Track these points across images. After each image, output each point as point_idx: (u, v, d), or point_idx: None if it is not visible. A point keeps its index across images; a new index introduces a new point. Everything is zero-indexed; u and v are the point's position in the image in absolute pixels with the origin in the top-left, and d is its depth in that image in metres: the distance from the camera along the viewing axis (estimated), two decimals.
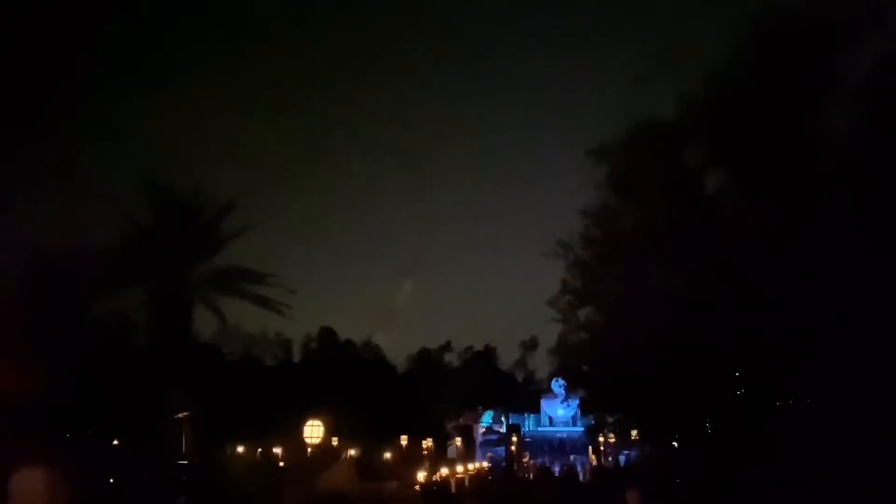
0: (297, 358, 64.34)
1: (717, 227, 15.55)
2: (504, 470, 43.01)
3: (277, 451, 41.53)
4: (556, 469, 41.42)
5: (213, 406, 40.99)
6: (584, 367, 31.07)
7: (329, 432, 18.43)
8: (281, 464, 31.74)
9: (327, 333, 63.12)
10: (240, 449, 43.23)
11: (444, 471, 25.71)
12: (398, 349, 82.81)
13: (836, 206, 13.41)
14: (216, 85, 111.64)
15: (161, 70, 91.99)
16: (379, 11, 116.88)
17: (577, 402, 60.40)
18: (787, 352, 14.61)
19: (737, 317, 15.08)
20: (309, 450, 23.44)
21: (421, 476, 21.82)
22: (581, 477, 33.98)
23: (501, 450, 55.43)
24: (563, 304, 24.75)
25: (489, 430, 58.73)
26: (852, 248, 12.98)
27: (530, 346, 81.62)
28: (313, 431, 16.78)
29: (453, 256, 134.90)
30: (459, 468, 27.65)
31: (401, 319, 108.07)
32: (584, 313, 24.56)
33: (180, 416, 29.96)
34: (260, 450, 45.01)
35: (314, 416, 17.29)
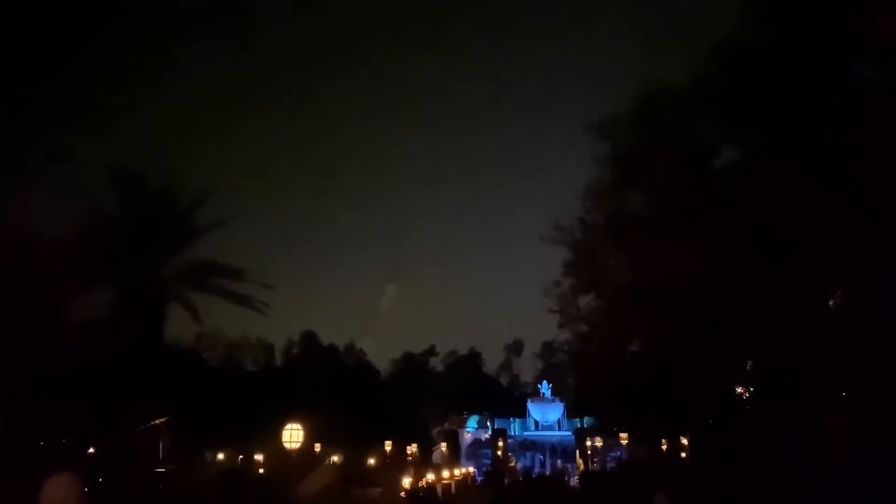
0: (279, 363, 63.47)
1: (736, 200, 14.80)
2: (490, 475, 42.34)
3: (259, 457, 40.90)
4: (546, 473, 40.96)
5: (193, 412, 40.24)
6: (580, 363, 29.82)
7: (310, 437, 17.66)
8: (261, 470, 30.92)
9: (310, 338, 62.32)
10: (220, 456, 42.43)
11: (431, 476, 25.02)
12: (382, 353, 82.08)
13: (860, 171, 12.77)
14: (201, 78, 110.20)
15: (140, 57, 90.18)
16: None
17: (563, 405, 60.01)
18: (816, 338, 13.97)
19: (759, 296, 14.41)
20: (291, 455, 22.74)
21: (406, 482, 21.17)
22: (570, 481, 33.39)
23: (488, 454, 54.84)
24: (566, 287, 23.85)
25: (475, 434, 58.12)
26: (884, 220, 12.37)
27: (515, 349, 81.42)
28: (293, 436, 16.02)
29: (437, 260, 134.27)
30: (445, 473, 26.97)
31: (384, 324, 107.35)
32: (584, 302, 23.79)
33: (157, 422, 29.13)
34: (241, 456, 44.31)
35: (293, 419, 16.51)
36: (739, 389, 18.70)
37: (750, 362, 17.90)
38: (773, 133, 14.15)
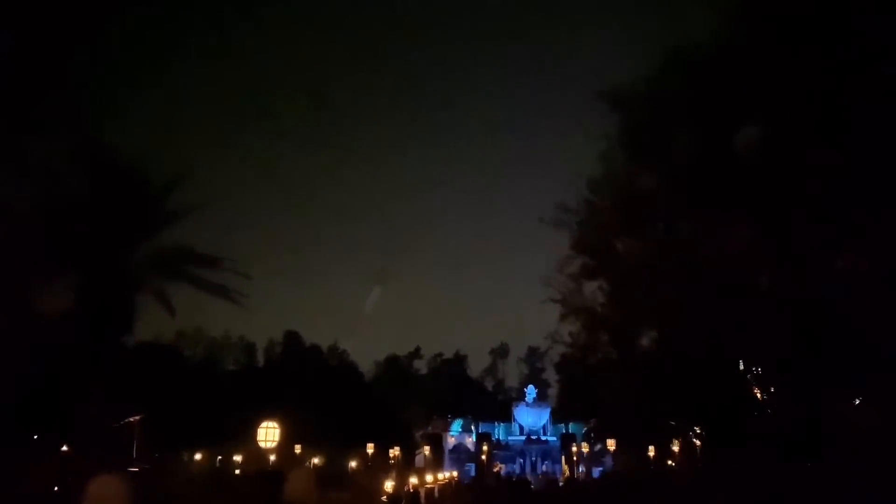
0: (260, 362, 62.54)
1: (757, 175, 13.86)
2: (474, 480, 41.57)
3: (238, 458, 40.08)
4: (529, 478, 40.21)
5: (170, 410, 39.42)
6: (584, 357, 28.31)
7: (288, 436, 16.82)
8: (237, 471, 30.06)
9: (292, 338, 61.33)
10: (198, 456, 41.54)
11: (414, 480, 24.26)
12: (366, 355, 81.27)
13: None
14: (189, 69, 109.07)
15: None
16: None
17: (549, 410, 59.38)
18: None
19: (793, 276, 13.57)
20: (272, 457, 21.87)
21: (388, 485, 20.39)
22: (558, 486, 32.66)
23: (472, 458, 54.11)
24: (570, 273, 22.76)
25: (459, 438, 57.37)
26: None
27: (501, 353, 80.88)
28: (268, 434, 15.15)
29: (424, 263, 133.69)
30: (429, 478, 26.21)
31: (369, 325, 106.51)
32: (590, 289, 22.69)
33: (130, 420, 28.20)
34: (220, 457, 43.49)
35: (270, 417, 15.64)
36: (755, 387, 17.83)
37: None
38: (797, 104, 13.36)
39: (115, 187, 15.67)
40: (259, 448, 15.56)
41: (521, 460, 55.07)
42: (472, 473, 48.46)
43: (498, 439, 56.66)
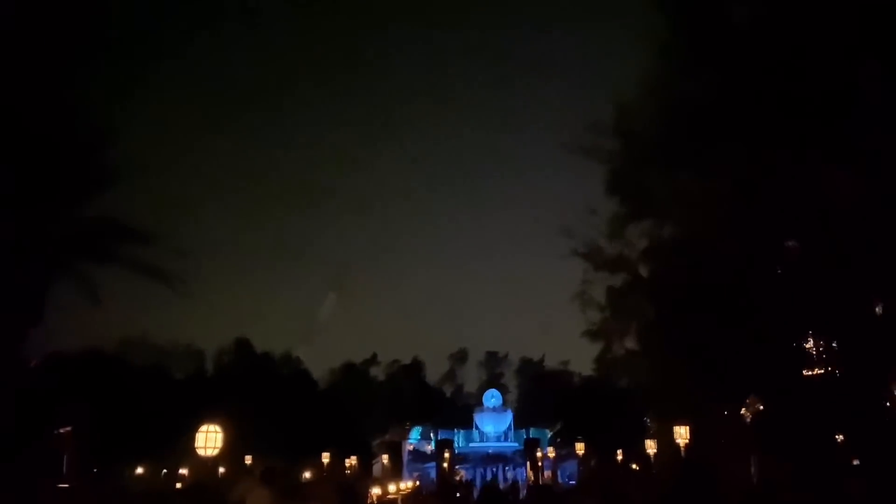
0: (209, 371, 59.95)
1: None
2: (436, 488, 40.05)
3: (184, 471, 38.11)
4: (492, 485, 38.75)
5: (113, 422, 37.03)
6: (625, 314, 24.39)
7: (232, 442, 14.93)
8: (178, 485, 27.96)
9: (243, 345, 58.91)
10: (140, 470, 39.21)
11: (377, 490, 22.55)
12: (321, 363, 79.21)
13: None
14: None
15: None
16: None
17: (511, 415, 58.21)
18: None
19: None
20: (220, 469, 19.89)
21: (346, 496, 18.79)
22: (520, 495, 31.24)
23: (432, 466, 52.51)
24: (605, 218, 19.88)
25: (418, 446, 55.80)
26: None
27: (459, 358, 79.54)
28: (209, 440, 13.27)
29: (380, 268, 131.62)
30: (392, 487, 24.53)
31: (325, 332, 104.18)
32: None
33: (60, 432, 25.86)
34: (165, 470, 41.36)
35: (211, 421, 13.73)
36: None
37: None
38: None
39: (24, 139, 12.90)
40: (200, 457, 13.61)
41: (484, 467, 53.74)
42: (434, 481, 47.05)
43: (458, 446, 55.26)
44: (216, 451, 13.21)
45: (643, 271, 21.41)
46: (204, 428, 13.26)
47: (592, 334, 25.16)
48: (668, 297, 19.47)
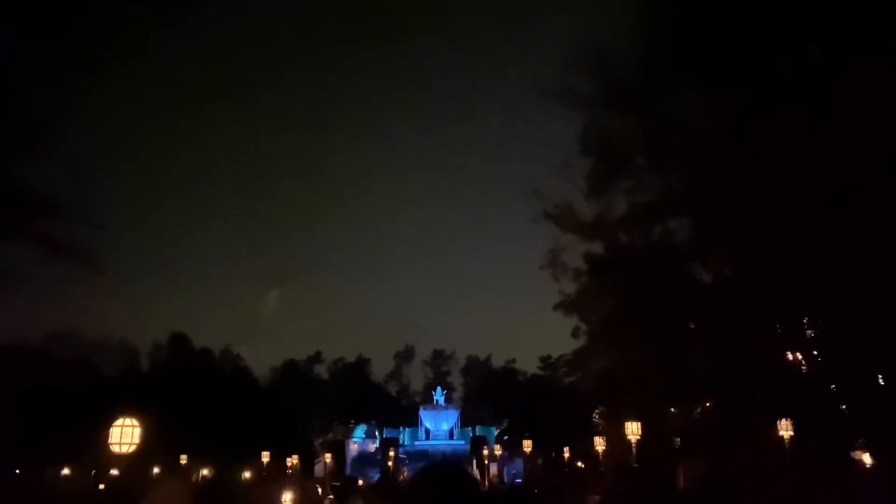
0: (144, 367, 57.54)
1: None
2: (377, 486, 38.84)
3: (115, 472, 35.94)
4: None
5: (37, 420, 34.81)
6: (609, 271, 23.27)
7: (165, 441, 13.52)
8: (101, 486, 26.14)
9: (179, 340, 56.57)
10: (66, 471, 36.94)
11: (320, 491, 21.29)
12: (263, 360, 77.12)
13: None
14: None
15: None
16: None
17: (457, 413, 57.38)
18: None
19: None
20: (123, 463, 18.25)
21: (288, 498, 17.49)
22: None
23: (377, 465, 51.26)
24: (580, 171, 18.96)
25: (362, 445, 54.46)
26: None
27: (405, 357, 78.32)
28: (124, 435, 11.81)
29: (324, 265, 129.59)
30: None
31: (267, 329, 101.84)
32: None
33: None
34: (94, 471, 39.09)
35: (127, 414, 12.24)
36: None
37: None
38: None
39: None
40: (114, 454, 12.10)
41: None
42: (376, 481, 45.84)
43: (403, 444, 54.15)
44: (132, 448, 11.77)
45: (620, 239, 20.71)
46: (119, 422, 11.79)
47: (566, 306, 24.38)
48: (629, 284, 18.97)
